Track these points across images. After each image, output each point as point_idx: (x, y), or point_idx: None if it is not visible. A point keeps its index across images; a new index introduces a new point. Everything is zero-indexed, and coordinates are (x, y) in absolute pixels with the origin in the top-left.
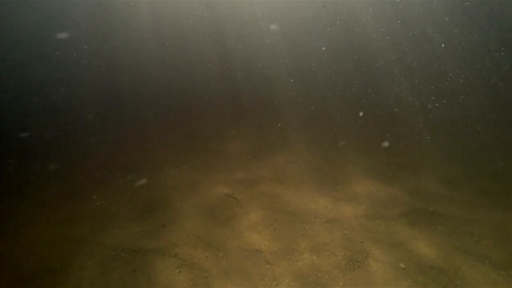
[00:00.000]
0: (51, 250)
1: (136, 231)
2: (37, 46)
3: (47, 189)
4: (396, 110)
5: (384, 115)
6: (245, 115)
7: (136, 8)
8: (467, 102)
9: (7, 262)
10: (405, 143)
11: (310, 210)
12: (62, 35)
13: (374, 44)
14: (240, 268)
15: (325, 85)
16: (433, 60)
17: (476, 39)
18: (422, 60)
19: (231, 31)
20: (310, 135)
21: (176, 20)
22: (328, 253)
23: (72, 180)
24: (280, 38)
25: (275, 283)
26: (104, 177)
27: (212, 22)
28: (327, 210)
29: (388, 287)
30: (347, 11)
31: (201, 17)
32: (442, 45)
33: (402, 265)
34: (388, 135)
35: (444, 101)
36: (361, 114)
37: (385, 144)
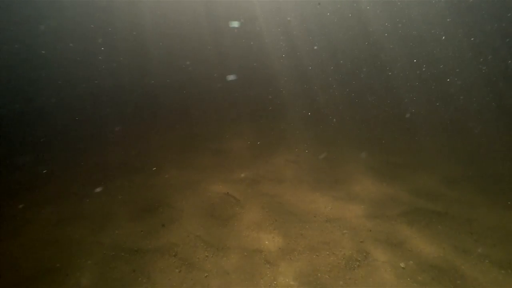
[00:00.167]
0: (50, 250)
1: (136, 230)
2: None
3: (47, 189)
4: (396, 109)
5: (384, 115)
6: (245, 115)
7: (137, 7)
8: (467, 101)
9: (7, 262)
10: (405, 143)
11: (310, 209)
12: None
13: (374, 44)
14: (240, 267)
15: (324, 84)
16: (434, 59)
17: (476, 38)
18: (423, 59)
19: (231, 28)
20: (310, 135)
21: (175, 19)
22: (328, 252)
23: (72, 179)
24: (278, 38)
25: (275, 282)
26: (103, 177)
27: (212, 21)
28: (327, 209)
29: (388, 286)
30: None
31: (200, 15)
32: (443, 44)
33: (402, 265)
34: (388, 134)
35: (444, 101)
36: (360, 114)
37: (385, 143)
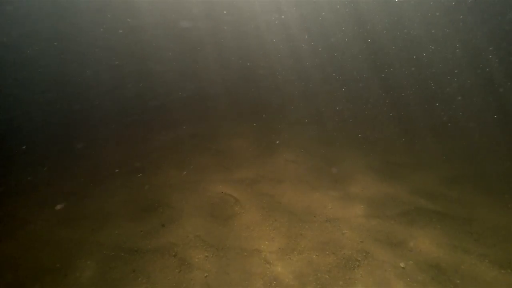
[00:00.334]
0: (50, 250)
1: (135, 231)
2: None
3: (46, 189)
4: (395, 109)
5: (383, 114)
6: (245, 115)
7: (137, 6)
8: (467, 101)
9: (7, 262)
10: (405, 142)
11: (309, 209)
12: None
13: (374, 44)
14: (240, 267)
15: (323, 84)
16: (434, 59)
17: (476, 38)
18: (423, 59)
19: (231, 28)
20: (310, 135)
21: (174, 18)
22: (327, 252)
23: (72, 179)
24: (275, 38)
25: (274, 282)
26: (103, 177)
27: (212, 21)
28: (326, 209)
29: (388, 286)
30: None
31: (199, 15)
32: (439, 45)
33: (401, 264)
34: (387, 134)
35: (444, 101)
36: (360, 113)
37: (385, 142)
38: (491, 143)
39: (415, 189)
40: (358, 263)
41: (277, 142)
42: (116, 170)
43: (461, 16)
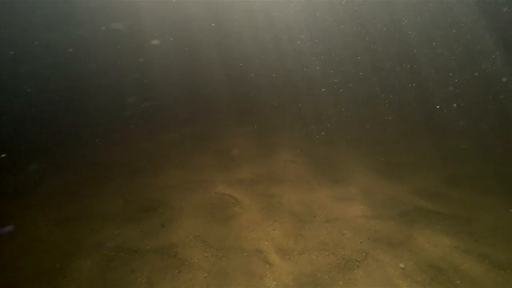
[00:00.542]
0: (50, 250)
1: (135, 231)
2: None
3: (46, 189)
4: (395, 109)
5: (383, 114)
6: (245, 115)
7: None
8: (467, 101)
9: (6, 262)
10: (405, 142)
11: (309, 209)
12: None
13: (373, 44)
14: (240, 268)
15: (322, 84)
16: (433, 59)
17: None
18: (423, 59)
19: (233, 29)
20: (309, 134)
21: (174, 19)
22: (327, 252)
23: (71, 179)
24: (272, 39)
25: (274, 283)
26: (103, 177)
27: (212, 21)
28: (326, 209)
29: (388, 287)
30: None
31: (202, 16)
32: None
33: (401, 265)
34: (387, 134)
35: (444, 101)
36: (359, 113)
37: (384, 142)
38: (491, 143)
39: (415, 189)
40: (358, 263)
41: (277, 142)
42: (116, 170)
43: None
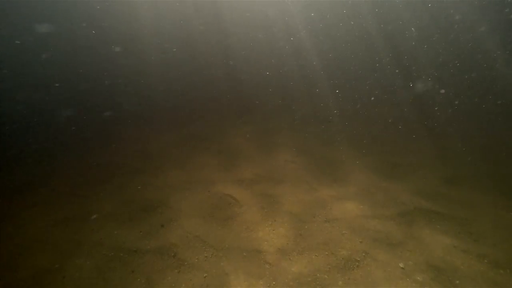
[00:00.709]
0: (49, 250)
1: (135, 231)
2: None
3: (45, 189)
4: (395, 109)
5: (382, 114)
6: (245, 115)
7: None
8: (467, 101)
9: (5, 262)
10: (405, 142)
11: (309, 209)
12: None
13: (372, 44)
14: (239, 268)
15: (321, 84)
16: (432, 59)
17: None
18: (422, 58)
19: (234, 32)
20: (309, 135)
21: (175, 19)
22: (327, 252)
23: (71, 179)
24: (270, 38)
25: (274, 283)
26: (102, 177)
27: (213, 22)
28: (326, 209)
29: (387, 287)
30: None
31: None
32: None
33: (401, 265)
34: (387, 134)
35: (444, 100)
36: (359, 113)
37: (384, 142)
38: (491, 143)
39: (415, 189)
40: (357, 263)
41: (276, 142)
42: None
43: None
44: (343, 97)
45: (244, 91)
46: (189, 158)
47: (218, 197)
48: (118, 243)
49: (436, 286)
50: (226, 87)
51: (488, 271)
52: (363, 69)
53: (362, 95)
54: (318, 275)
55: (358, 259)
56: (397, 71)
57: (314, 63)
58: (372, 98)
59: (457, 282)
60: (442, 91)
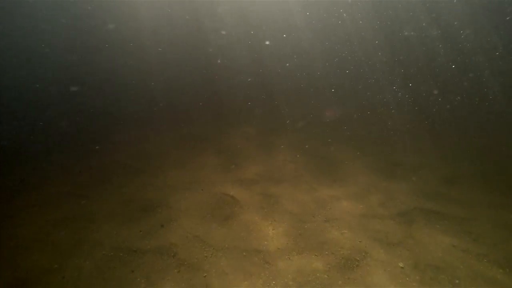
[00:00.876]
0: (49, 250)
1: (135, 231)
2: None
3: (45, 189)
4: (395, 109)
5: (382, 114)
6: (244, 115)
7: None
8: (467, 100)
9: (4, 263)
10: (404, 142)
11: (308, 209)
12: None
13: (372, 44)
14: (239, 267)
15: (319, 84)
16: (433, 59)
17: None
18: (422, 59)
19: (233, 30)
20: (309, 135)
21: (172, 18)
22: (327, 252)
23: (71, 179)
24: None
25: (273, 282)
26: (102, 177)
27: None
28: (325, 209)
29: (387, 286)
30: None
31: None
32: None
33: (400, 264)
34: (387, 133)
35: (444, 101)
36: (359, 112)
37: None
38: (491, 143)
39: (415, 189)
40: (357, 263)
41: (276, 142)
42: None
43: None
44: (344, 97)
45: (244, 91)
46: (188, 158)
47: (218, 197)
48: (118, 243)
49: (435, 285)
50: (226, 87)
51: (488, 271)
52: (363, 69)
53: (362, 95)
54: (318, 275)
55: (358, 259)
56: (402, 71)
57: (316, 63)
58: (372, 99)
59: (457, 281)
60: (442, 91)
